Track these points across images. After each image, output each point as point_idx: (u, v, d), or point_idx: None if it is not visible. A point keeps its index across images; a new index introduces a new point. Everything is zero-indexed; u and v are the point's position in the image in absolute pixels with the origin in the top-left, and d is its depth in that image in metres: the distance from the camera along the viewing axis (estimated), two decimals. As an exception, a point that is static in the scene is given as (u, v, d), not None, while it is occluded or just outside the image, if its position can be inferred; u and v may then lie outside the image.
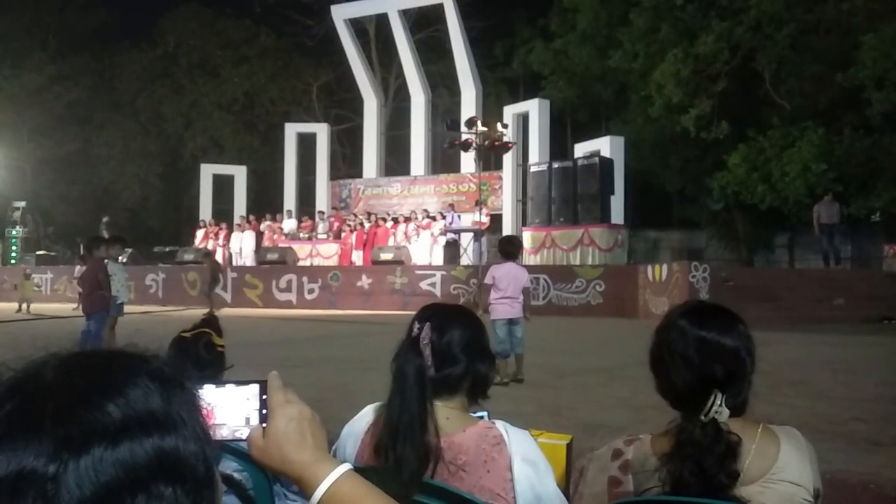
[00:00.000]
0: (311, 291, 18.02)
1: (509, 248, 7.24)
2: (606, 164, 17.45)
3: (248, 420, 0.88)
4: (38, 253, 21.38)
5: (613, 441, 1.61)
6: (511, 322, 6.97)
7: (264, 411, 0.87)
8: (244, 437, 0.87)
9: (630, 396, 5.78)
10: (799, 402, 5.64)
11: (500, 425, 1.61)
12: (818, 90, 20.35)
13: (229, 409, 0.87)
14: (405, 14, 23.22)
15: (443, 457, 1.54)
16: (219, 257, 21.21)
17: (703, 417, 1.41)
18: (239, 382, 0.89)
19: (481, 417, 1.72)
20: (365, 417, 1.70)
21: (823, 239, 15.65)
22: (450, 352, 1.62)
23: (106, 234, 21.53)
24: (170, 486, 0.49)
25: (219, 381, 0.88)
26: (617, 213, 17.98)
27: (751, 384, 1.52)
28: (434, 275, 16.95)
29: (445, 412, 1.59)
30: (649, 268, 14.72)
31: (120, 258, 10.10)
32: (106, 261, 8.33)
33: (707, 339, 1.49)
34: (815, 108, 20.41)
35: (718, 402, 1.41)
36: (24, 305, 16.68)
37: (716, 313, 1.55)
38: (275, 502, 1.97)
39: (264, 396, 0.87)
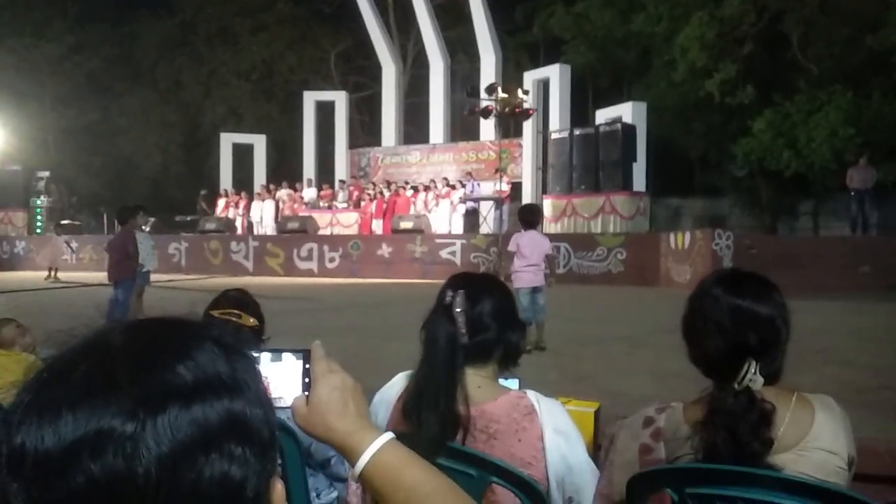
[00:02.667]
0: (332, 260, 18.13)
1: (530, 217, 7.24)
2: (629, 130, 17.23)
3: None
4: (63, 222, 21.64)
5: (644, 408, 1.61)
6: (535, 290, 6.98)
7: (307, 380, 0.89)
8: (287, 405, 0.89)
9: (654, 364, 5.78)
10: (826, 370, 5.61)
11: (532, 395, 1.62)
12: (847, 53, 19.84)
13: (284, 378, 0.89)
14: (424, -22, 22.90)
15: (474, 425, 1.56)
16: (239, 225, 21.42)
17: (736, 385, 1.41)
18: (295, 352, 0.90)
19: (513, 387, 1.73)
20: (396, 384, 1.72)
21: (854, 204, 15.34)
22: (481, 320, 1.63)
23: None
24: (240, 446, 0.51)
25: (274, 350, 0.90)
26: (639, 180, 17.79)
27: (785, 352, 1.51)
28: (454, 243, 16.96)
29: (477, 380, 1.61)
30: (671, 236, 14.60)
31: (144, 227, 10.22)
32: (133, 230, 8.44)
33: (742, 306, 1.48)
34: (844, 71, 19.93)
35: (752, 371, 1.41)
36: (53, 272, 16.99)
37: (751, 281, 1.54)
38: (305, 474, 2.01)
39: (307, 366, 0.89)
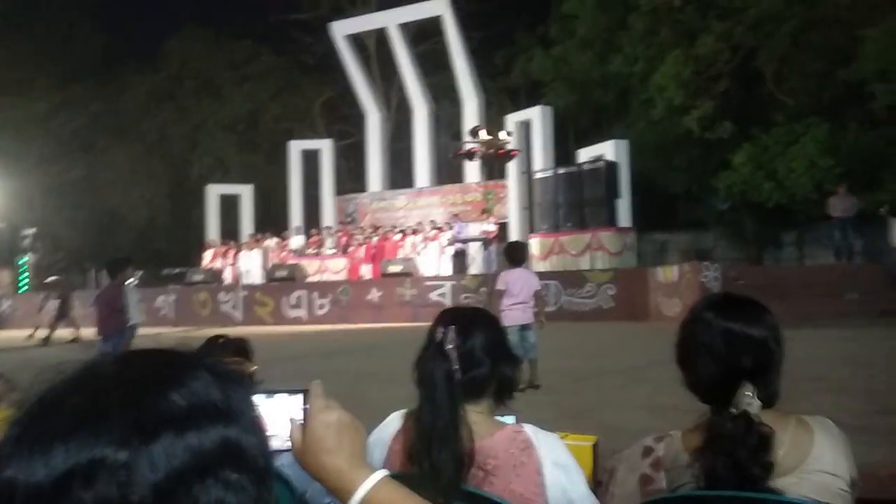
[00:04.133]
0: (321, 307, 18.04)
1: (516, 254, 7.26)
2: (612, 167, 17.44)
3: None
4: (49, 279, 21.46)
5: (642, 439, 1.59)
6: (523, 328, 6.95)
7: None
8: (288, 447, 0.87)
9: (650, 398, 5.74)
10: (821, 398, 5.59)
11: (529, 429, 1.60)
12: (821, 86, 20.30)
13: (278, 419, 0.87)
14: (404, 28, 23.34)
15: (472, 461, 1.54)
16: (227, 276, 21.32)
17: (733, 410, 1.40)
18: (290, 392, 0.89)
19: (509, 422, 1.71)
20: (391, 424, 1.69)
21: (836, 233, 15.52)
22: (474, 355, 1.62)
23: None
24: (235, 473, 0.50)
25: (269, 390, 0.88)
26: (624, 216, 17.94)
27: (780, 375, 1.51)
28: (443, 285, 16.94)
29: (473, 416, 1.58)
30: (659, 270, 14.66)
31: (130, 281, 10.14)
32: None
33: (734, 330, 1.47)
34: (819, 104, 20.36)
35: (749, 394, 1.40)
36: (39, 331, 16.58)
37: (741, 304, 1.54)
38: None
39: (306, 406, 0.88)
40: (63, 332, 16.14)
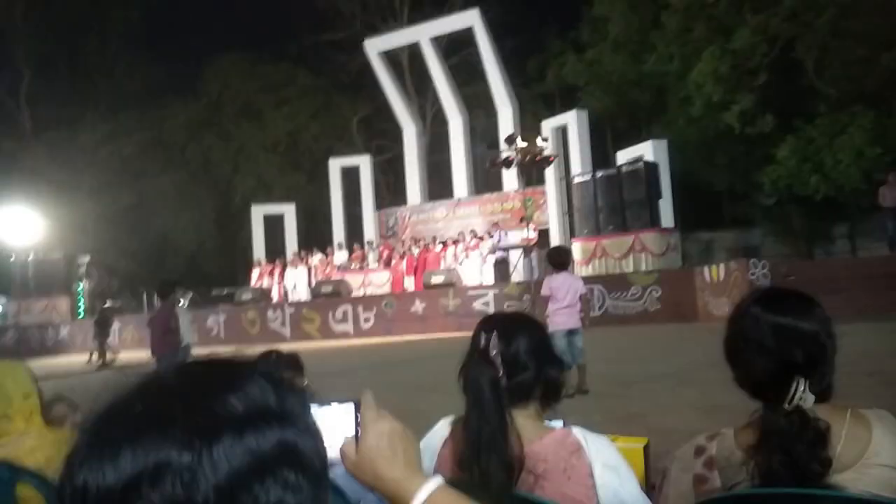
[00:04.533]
0: (366, 320, 18.17)
1: (560, 258, 7.21)
2: (651, 168, 17.22)
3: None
4: (106, 306, 22.11)
5: (694, 438, 1.57)
6: (570, 332, 6.89)
7: (358, 429, 0.89)
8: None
9: (700, 399, 5.64)
10: (880, 390, 5.41)
11: (578, 432, 1.59)
12: (864, 73, 19.73)
13: (331, 430, 0.88)
14: (436, 41, 23.48)
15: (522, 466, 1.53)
16: (275, 294, 21.65)
17: (786, 405, 1.37)
18: (340, 402, 0.91)
19: (557, 426, 1.70)
20: (440, 431, 1.70)
21: (889, 224, 15.00)
22: (518, 359, 1.62)
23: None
24: (293, 473, 0.52)
25: (321, 401, 0.90)
26: (667, 216, 17.68)
27: (833, 368, 1.47)
28: (486, 294, 16.91)
29: (521, 421, 1.58)
30: (706, 269, 14.40)
31: (181, 302, 10.40)
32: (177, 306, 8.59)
33: (783, 324, 1.45)
34: (863, 91, 19.78)
35: (802, 389, 1.37)
36: (97, 356, 17.07)
37: (790, 297, 1.51)
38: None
39: (358, 415, 0.89)
40: (119, 354, 16.66)
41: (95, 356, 17.03)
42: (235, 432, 0.50)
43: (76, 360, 18.04)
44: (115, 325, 18.79)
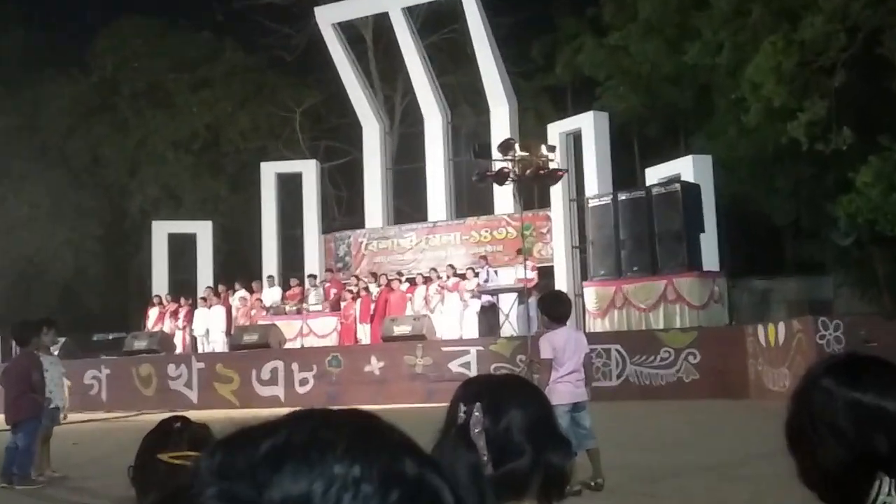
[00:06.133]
0: (303, 382, 18.02)
1: (561, 309, 7.25)
2: (691, 191, 17.45)
3: None
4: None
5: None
6: (576, 407, 6.90)
7: None
8: None
9: (751, 501, 5.66)
10: None
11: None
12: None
13: None
14: (411, 12, 23.79)
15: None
16: (179, 343, 21.42)
17: (867, 512, 1.38)
18: None
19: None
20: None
21: None
22: (510, 440, 1.61)
23: None
24: None
25: None
26: (710, 256, 17.87)
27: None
28: (467, 352, 16.88)
29: (511, 523, 1.58)
30: (760, 328, 14.53)
31: (52, 349, 10.24)
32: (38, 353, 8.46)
33: (863, 402, 1.46)
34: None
35: (887, 490, 1.38)
36: None
37: (872, 368, 1.53)
38: None
39: None
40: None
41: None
42: (389, 456, 0.66)
43: None
44: None
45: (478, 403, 1.60)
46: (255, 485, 0.63)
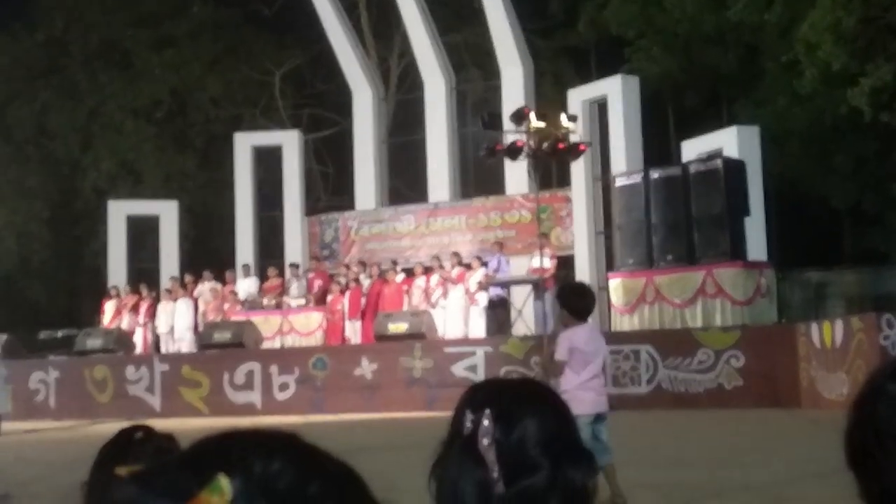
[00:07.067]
0: (283, 387, 18.07)
1: (583, 302, 7.21)
2: (735, 169, 17.42)
3: None
4: None
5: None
6: (598, 418, 6.91)
7: None
8: None
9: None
10: None
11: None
12: None
13: None
14: (411, -41, 23.72)
15: None
16: (139, 341, 21.45)
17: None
18: None
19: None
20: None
21: None
22: (524, 453, 1.60)
23: None
24: None
25: None
26: (756, 244, 17.88)
27: None
28: (473, 353, 16.91)
29: (525, 549, 1.57)
30: (813, 327, 14.54)
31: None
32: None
33: (937, 411, 1.45)
34: None
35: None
36: None
37: (946, 372, 1.52)
38: None
39: None
40: None
41: None
42: None
43: None
44: None
45: (487, 411, 1.59)
46: None
